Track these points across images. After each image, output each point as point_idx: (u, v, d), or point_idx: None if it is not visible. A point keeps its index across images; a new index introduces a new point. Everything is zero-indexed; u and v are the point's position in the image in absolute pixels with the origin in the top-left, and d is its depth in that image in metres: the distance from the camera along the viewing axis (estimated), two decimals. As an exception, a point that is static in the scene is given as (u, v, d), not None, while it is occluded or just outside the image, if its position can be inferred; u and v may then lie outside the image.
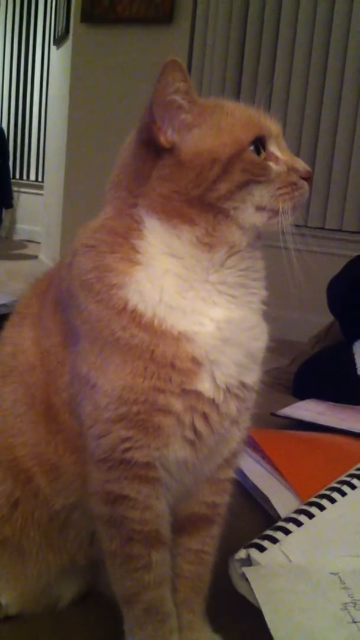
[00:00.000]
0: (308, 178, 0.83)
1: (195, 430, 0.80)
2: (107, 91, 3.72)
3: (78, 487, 0.85)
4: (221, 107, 0.81)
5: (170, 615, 0.83)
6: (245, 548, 1.00)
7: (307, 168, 0.83)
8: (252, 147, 0.79)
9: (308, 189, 0.83)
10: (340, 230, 3.27)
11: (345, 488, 1.18)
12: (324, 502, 1.14)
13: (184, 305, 0.78)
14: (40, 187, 5.89)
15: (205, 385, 0.79)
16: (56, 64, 4.79)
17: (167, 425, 0.79)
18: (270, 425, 1.66)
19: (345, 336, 2.27)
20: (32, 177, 6.64)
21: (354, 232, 3.26)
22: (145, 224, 0.80)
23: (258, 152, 0.79)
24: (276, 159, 0.81)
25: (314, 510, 1.11)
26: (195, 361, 0.78)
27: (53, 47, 4.93)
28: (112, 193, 0.85)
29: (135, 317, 0.77)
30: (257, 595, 0.90)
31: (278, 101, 3.26)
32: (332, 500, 1.14)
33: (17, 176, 6.62)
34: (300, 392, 2.09)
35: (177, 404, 0.78)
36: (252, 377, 0.84)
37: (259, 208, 0.79)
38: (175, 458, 0.81)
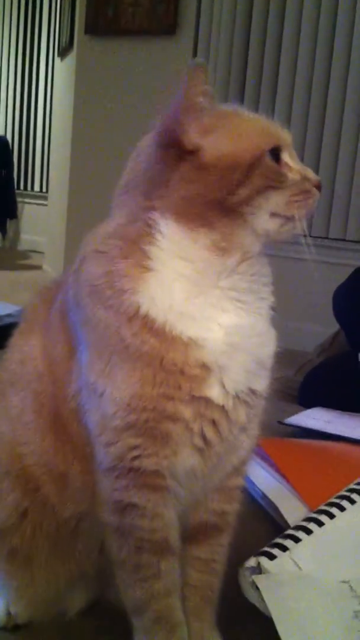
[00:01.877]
0: (319, 187, 0.84)
1: (204, 438, 0.80)
2: (110, 102, 3.74)
3: (87, 496, 0.85)
4: (239, 114, 0.82)
5: (180, 625, 0.82)
6: (255, 556, 1.00)
7: (318, 177, 0.83)
8: (269, 155, 0.79)
9: (318, 196, 0.84)
10: (344, 240, 3.27)
11: (354, 496, 1.17)
12: (334, 510, 1.13)
13: (194, 311, 0.78)
14: (44, 198, 5.91)
15: (214, 392, 0.78)
16: (60, 76, 4.82)
17: (175, 433, 0.78)
18: (278, 434, 1.65)
19: (351, 345, 2.26)
20: (37, 187, 6.66)
21: (357, 242, 3.26)
22: (160, 227, 0.79)
23: (276, 160, 0.80)
24: (289, 168, 0.82)
25: (323, 518, 1.11)
26: (205, 367, 0.77)
27: (57, 59, 4.96)
28: (123, 197, 0.84)
29: (147, 323, 0.77)
30: (267, 604, 0.90)
31: (281, 112, 3.26)
32: (342, 509, 1.14)
33: (22, 187, 6.64)
34: (307, 401, 2.08)
35: (186, 412, 0.78)
36: (261, 383, 0.83)
37: (273, 214, 0.80)
38: (183, 466, 0.81)
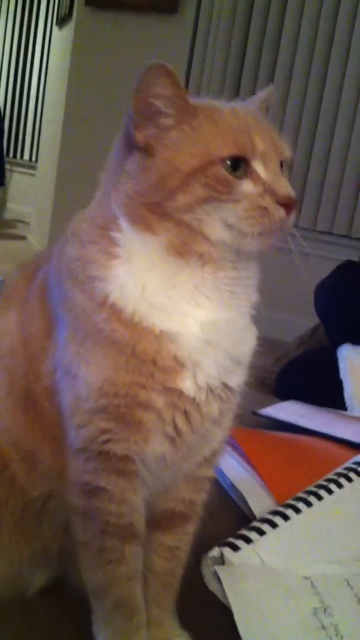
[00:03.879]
0: (288, 204, 0.75)
1: (175, 427, 0.80)
2: (106, 76, 3.69)
3: (54, 476, 0.85)
4: (211, 113, 0.76)
5: (139, 611, 0.83)
6: (219, 546, 1.00)
7: (288, 193, 0.76)
8: (228, 162, 0.74)
9: (283, 216, 0.75)
10: (330, 234, 3.27)
11: (322, 492, 1.18)
12: (300, 505, 1.14)
13: (167, 304, 0.77)
14: (34, 168, 5.84)
15: (186, 384, 0.78)
16: (57, 45, 4.75)
17: (147, 420, 0.78)
18: (250, 424, 1.65)
19: (330, 340, 2.27)
20: (26, 156, 6.57)
21: (344, 236, 3.26)
22: (119, 219, 0.78)
23: (235, 169, 0.74)
24: (257, 179, 0.75)
25: (289, 512, 1.11)
26: (177, 360, 0.77)
27: (55, 27, 4.88)
28: (104, 175, 0.83)
29: (114, 312, 0.76)
30: (228, 596, 0.90)
31: (277, 95, 3.25)
32: (309, 504, 1.14)
33: (11, 155, 6.56)
34: (282, 392, 2.09)
35: (159, 400, 0.77)
36: (236, 379, 0.83)
37: (228, 225, 0.75)
38: (154, 453, 0.80)
